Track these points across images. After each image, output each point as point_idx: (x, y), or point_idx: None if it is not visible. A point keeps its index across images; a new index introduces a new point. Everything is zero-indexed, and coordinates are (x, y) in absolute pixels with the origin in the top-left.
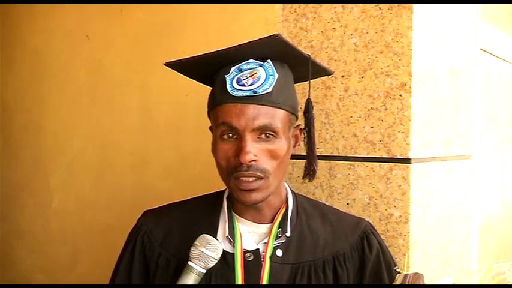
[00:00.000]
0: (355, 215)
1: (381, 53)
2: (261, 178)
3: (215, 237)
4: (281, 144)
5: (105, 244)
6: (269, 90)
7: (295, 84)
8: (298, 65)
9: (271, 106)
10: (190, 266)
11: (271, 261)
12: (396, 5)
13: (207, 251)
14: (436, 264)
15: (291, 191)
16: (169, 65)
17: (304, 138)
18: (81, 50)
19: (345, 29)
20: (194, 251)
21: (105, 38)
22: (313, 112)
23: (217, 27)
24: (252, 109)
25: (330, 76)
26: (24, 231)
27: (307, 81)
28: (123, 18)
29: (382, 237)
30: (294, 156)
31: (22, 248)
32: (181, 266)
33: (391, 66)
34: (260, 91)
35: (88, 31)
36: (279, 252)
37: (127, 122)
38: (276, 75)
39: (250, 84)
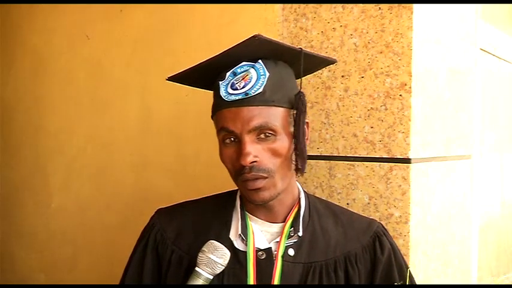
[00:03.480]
0: None
1: (381, 53)
2: (265, 177)
3: (227, 235)
4: (282, 142)
5: (105, 244)
6: (260, 90)
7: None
8: (295, 60)
9: (265, 105)
10: (197, 271)
11: (283, 260)
12: (396, 5)
13: (215, 257)
14: (436, 264)
15: (304, 191)
16: (172, 79)
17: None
18: (81, 50)
19: (345, 29)
20: (202, 257)
21: (105, 38)
22: (306, 106)
23: (217, 27)
24: (245, 111)
25: (329, 76)
26: (24, 231)
27: (312, 74)
28: (123, 18)
29: None
30: None
31: (22, 248)
32: (194, 263)
33: (391, 66)
34: (252, 92)
35: (88, 31)
36: (291, 252)
37: (127, 122)
38: (267, 74)
39: (243, 87)
